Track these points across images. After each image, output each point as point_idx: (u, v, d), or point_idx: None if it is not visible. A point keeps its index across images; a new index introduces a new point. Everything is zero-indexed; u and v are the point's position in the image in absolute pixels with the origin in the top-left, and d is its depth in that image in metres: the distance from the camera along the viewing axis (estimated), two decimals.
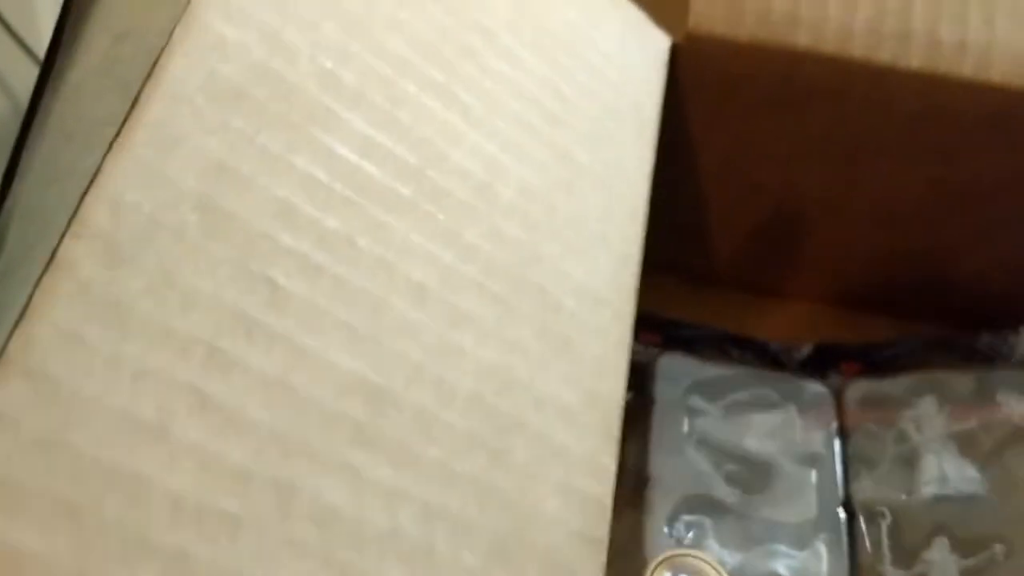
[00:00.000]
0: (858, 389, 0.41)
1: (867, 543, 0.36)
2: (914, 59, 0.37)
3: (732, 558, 0.35)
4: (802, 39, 0.36)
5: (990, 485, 0.36)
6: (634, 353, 0.44)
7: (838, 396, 0.41)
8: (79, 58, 0.25)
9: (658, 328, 0.46)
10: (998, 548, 0.35)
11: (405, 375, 0.23)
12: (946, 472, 0.37)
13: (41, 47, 0.28)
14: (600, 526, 0.26)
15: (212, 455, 0.19)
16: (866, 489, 0.37)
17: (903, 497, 0.37)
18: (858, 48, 0.37)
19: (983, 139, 0.39)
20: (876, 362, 0.44)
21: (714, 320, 0.49)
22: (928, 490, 0.37)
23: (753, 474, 0.38)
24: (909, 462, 0.38)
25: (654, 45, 0.36)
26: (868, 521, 0.36)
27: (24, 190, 0.24)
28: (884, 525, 0.36)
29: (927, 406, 0.39)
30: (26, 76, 0.29)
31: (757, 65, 0.37)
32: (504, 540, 0.23)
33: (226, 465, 0.20)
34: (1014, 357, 0.42)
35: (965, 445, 0.38)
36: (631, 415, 0.41)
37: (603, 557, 0.25)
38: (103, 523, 0.18)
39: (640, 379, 0.41)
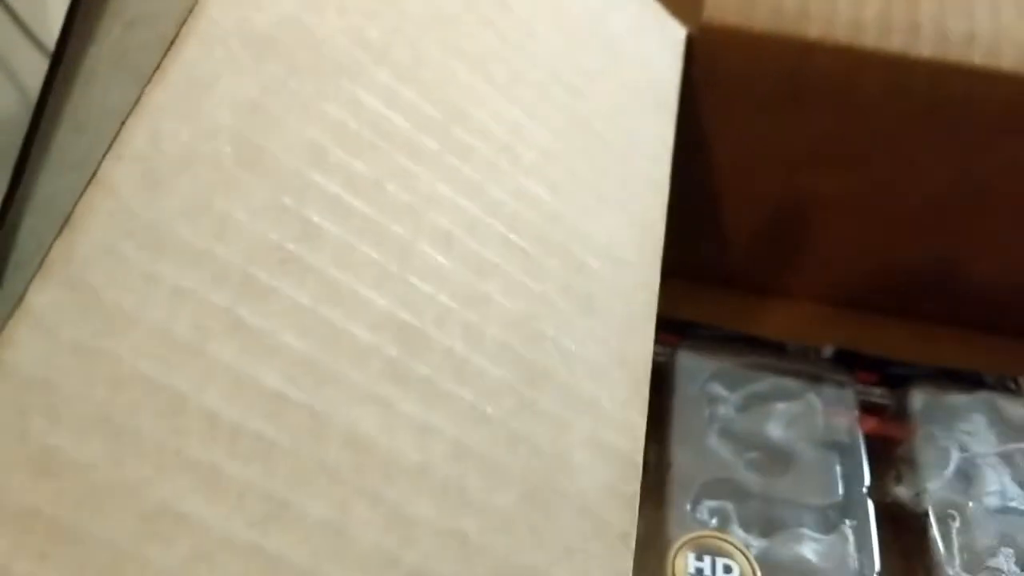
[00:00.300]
0: (920, 396, 0.41)
1: (940, 544, 0.36)
2: (924, 49, 0.37)
3: (757, 542, 0.35)
4: (813, 31, 0.37)
5: None
6: (655, 354, 0.45)
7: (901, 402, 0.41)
8: (89, 47, 0.26)
9: (676, 330, 0.46)
10: None
11: (435, 316, 0.23)
12: (1006, 486, 0.38)
13: (51, 38, 0.28)
14: (631, 482, 0.25)
15: (246, 375, 0.19)
16: (936, 492, 0.37)
17: (970, 504, 0.37)
18: (869, 39, 0.37)
19: (995, 130, 0.39)
20: (892, 376, 0.45)
21: (729, 322, 0.49)
22: (991, 500, 0.37)
23: (775, 460, 0.37)
24: (969, 473, 0.38)
25: (671, 33, 0.37)
26: (939, 522, 0.36)
27: (36, 182, 0.24)
28: (954, 528, 0.36)
29: (979, 423, 0.40)
30: (36, 68, 0.29)
31: (770, 57, 0.38)
32: (535, 485, 0.23)
33: (260, 387, 0.20)
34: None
35: (1013, 465, 0.38)
36: (652, 411, 0.41)
37: (635, 513, 0.25)
38: (138, 432, 0.18)
39: (660, 377, 0.41)
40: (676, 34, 0.37)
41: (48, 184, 0.24)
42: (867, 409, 0.41)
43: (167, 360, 0.18)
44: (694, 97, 0.40)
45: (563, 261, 0.27)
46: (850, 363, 0.45)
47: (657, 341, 0.46)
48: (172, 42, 0.21)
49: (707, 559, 0.33)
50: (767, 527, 0.36)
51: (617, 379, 0.27)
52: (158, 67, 0.21)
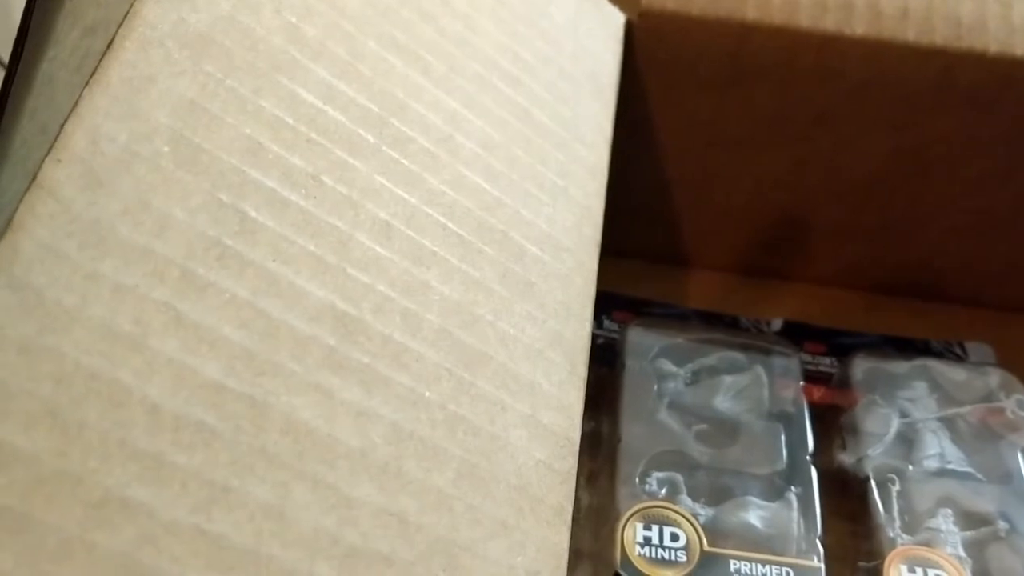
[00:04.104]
0: (862, 365, 0.42)
1: (880, 507, 0.37)
2: (858, 27, 0.38)
3: (705, 511, 0.36)
4: (750, 13, 0.38)
5: (983, 469, 0.38)
6: (606, 332, 0.46)
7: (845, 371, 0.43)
8: (49, 51, 0.27)
9: (629, 307, 0.47)
10: (1001, 525, 0.37)
11: (373, 305, 0.24)
12: (945, 449, 0.39)
13: (7, 44, 0.28)
14: (567, 458, 0.26)
15: (188, 368, 0.20)
16: (877, 458, 0.39)
17: (910, 468, 0.38)
18: (804, 19, 0.38)
19: (930, 105, 0.41)
20: (839, 346, 0.46)
21: (682, 299, 0.50)
22: (931, 464, 0.39)
23: (723, 431, 0.39)
24: (909, 438, 0.40)
25: (609, 20, 0.38)
26: (879, 486, 0.38)
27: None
28: (894, 491, 0.38)
29: (920, 390, 0.41)
30: None
31: (708, 41, 0.39)
32: (472, 464, 0.24)
33: (201, 378, 0.21)
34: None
35: (953, 429, 0.40)
36: (604, 387, 0.42)
37: (571, 488, 0.26)
38: (84, 424, 0.19)
39: (612, 354, 0.42)
40: (615, 21, 0.38)
41: (12, 185, 0.25)
42: (814, 379, 0.43)
43: (110, 355, 0.19)
44: (638, 82, 0.41)
45: (502, 248, 0.28)
46: (799, 334, 0.46)
47: (613, 319, 0.47)
48: (109, 45, 0.22)
49: (655, 528, 0.35)
50: (715, 496, 0.37)
51: (554, 360, 0.28)
52: (95, 70, 0.21)
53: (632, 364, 0.40)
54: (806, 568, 0.34)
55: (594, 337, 0.45)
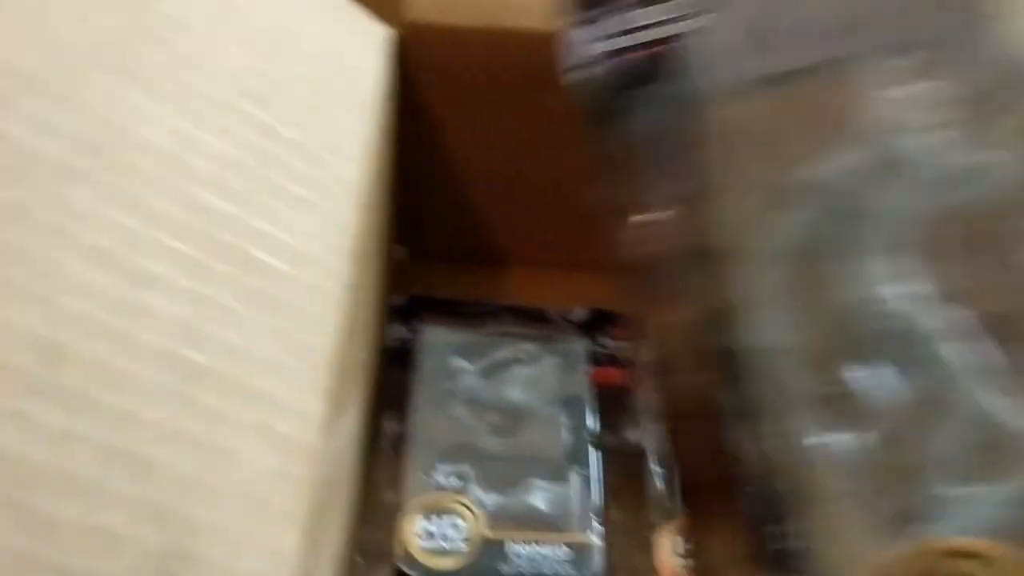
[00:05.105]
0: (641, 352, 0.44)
1: (657, 481, 0.39)
2: None
3: (494, 498, 0.38)
4: (507, 20, 0.40)
5: None
6: (411, 335, 0.47)
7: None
8: None
9: (441, 309, 0.49)
10: None
11: (83, 332, 0.25)
12: None
13: None
14: (300, 465, 0.28)
15: None
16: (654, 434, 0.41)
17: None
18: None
19: None
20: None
21: (497, 296, 0.52)
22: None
23: (512, 421, 0.40)
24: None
25: (373, 35, 0.39)
26: (656, 462, 0.40)
27: None
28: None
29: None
30: None
31: (477, 49, 0.40)
32: (193, 478, 0.25)
33: None
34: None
35: None
36: (398, 388, 0.43)
37: (302, 492, 0.27)
38: None
39: (407, 355, 0.43)
40: (378, 35, 0.39)
41: None
42: (607, 362, 0.45)
43: None
44: (420, 92, 0.42)
45: (238, 263, 0.29)
46: (604, 321, 0.48)
47: (424, 322, 0.48)
48: None
49: (435, 519, 0.36)
50: (503, 483, 0.39)
51: (295, 371, 0.29)
52: None
53: (426, 362, 0.42)
54: (582, 544, 0.36)
55: (404, 341, 0.47)
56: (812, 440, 0.19)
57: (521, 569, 0.35)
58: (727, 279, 0.19)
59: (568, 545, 0.36)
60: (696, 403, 0.21)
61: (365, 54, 0.38)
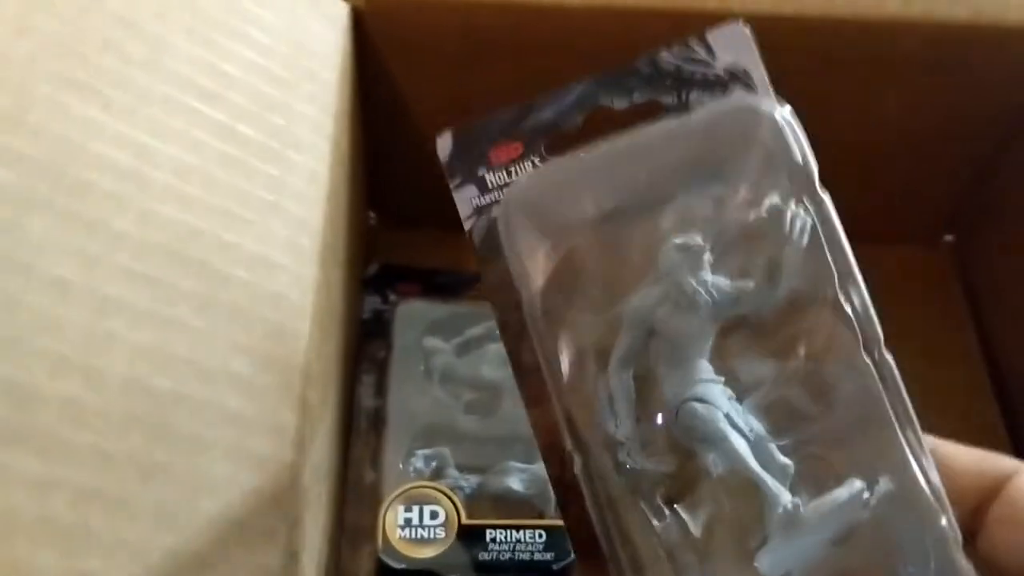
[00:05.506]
0: None
1: None
2: None
3: (471, 481, 0.38)
4: None
5: None
6: (391, 306, 0.47)
7: None
8: None
9: (416, 278, 0.48)
10: None
11: (49, 370, 0.24)
12: None
13: None
14: (277, 482, 0.28)
15: None
16: None
17: None
18: None
19: None
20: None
21: (465, 261, 0.51)
22: None
23: (489, 399, 0.40)
24: None
25: (332, 12, 0.37)
26: None
27: None
28: None
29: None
30: None
31: (438, 20, 0.39)
32: (169, 508, 0.25)
33: None
34: None
35: None
36: (373, 362, 0.43)
37: (280, 507, 0.28)
38: None
39: (382, 326, 0.43)
40: (337, 11, 0.37)
41: None
42: None
43: None
44: (381, 64, 0.41)
45: (201, 278, 0.28)
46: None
47: (398, 292, 0.48)
48: None
49: (415, 508, 0.36)
50: (480, 465, 0.39)
51: (263, 385, 0.29)
52: None
53: (400, 342, 0.42)
54: (559, 528, 0.37)
55: (378, 313, 0.46)
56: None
57: (499, 555, 0.36)
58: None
59: (545, 530, 0.36)
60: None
61: (325, 34, 0.36)
